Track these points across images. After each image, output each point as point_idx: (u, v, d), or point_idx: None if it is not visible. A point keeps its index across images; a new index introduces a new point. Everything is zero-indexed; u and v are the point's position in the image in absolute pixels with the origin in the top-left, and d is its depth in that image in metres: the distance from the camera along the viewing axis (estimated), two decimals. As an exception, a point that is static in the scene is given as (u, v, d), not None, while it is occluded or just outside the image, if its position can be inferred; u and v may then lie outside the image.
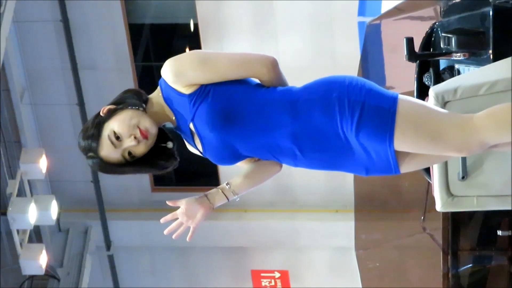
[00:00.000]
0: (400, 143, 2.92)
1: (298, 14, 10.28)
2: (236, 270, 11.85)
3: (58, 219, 10.95)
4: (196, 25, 10.64)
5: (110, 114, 3.01)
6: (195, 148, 3.15)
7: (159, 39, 11.08)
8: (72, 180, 11.42)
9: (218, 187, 3.14)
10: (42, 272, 10.22)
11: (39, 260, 9.94)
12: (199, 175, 11.11)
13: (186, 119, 3.04)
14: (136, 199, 11.58)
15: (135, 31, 10.87)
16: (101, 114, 3.03)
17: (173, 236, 3.11)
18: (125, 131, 2.97)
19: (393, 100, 2.92)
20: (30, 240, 10.48)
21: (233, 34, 10.49)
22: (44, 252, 10.06)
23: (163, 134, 3.09)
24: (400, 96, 2.95)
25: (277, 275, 11.73)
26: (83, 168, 11.07)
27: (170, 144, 3.10)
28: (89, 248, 11.43)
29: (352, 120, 2.91)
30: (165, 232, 3.14)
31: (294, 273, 11.76)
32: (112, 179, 11.26)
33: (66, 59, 10.61)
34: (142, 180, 11.48)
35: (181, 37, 11.08)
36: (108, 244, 11.66)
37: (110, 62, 10.78)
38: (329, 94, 2.95)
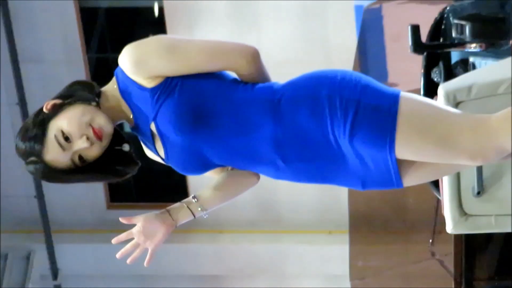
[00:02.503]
0: (402, 150, 2.92)
1: (284, -3, 10.32)
2: (209, 304, 11.86)
3: (-6, 242, 10.92)
4: (161, 9, 10.65)
5: (56, 110, 3.00)
6: (155, 154, 3.15)
7: (116, 26, 11.08)
8: (11, 195, 11.39)
9: (182, 201, 3.11)
10: (-25, 306, 10.20)
11: (-29, 292, 9.92)
12: (164, 189, 11.10)
13: (146, 117, 3.04)
14: (89, 218, 11.56)
15: (88, 17, 10.87)
16: (44, 110, 3.01)
17: (128, 261, 3.08)
18: (75, 131, 2.96)
19: (394, 98, 2.93)
20: (-39, 268, 10.45)
21: (206, 20, 10.50)
22: (-23, 281, 10.04)
23: (117, 135, 3.08)
24: (403, 94, 2.96)
25: (258, 309, 11.75)
26: (26, 181, 11.03)
27: (126, 147, 3.09)
28: (32, 277, 11.40)
29: (345, 122, 2.91)
30: (118, 255, 3.10)
31: (279, 307, 11.78)
32: (59, 194, 11.24)
33: (5, 51, 10.58)
34: (96, 195, 11.46)
35: (143, 23, 11.10)
36: (54, 272, 11.63)
37: (58, 53, 10.77)
38: (317, 91, 2.96)
